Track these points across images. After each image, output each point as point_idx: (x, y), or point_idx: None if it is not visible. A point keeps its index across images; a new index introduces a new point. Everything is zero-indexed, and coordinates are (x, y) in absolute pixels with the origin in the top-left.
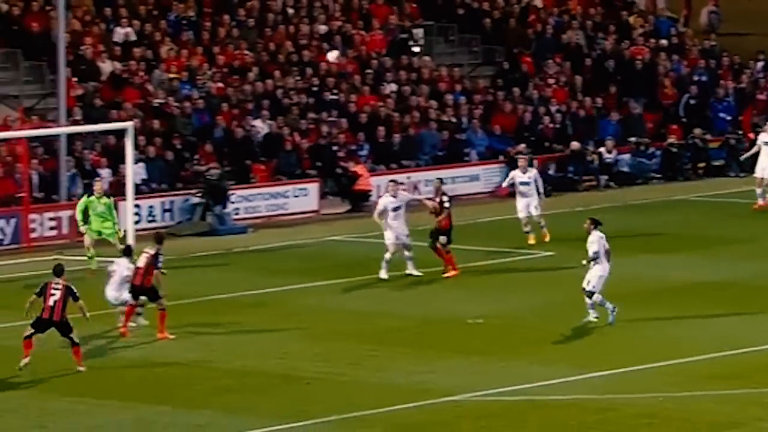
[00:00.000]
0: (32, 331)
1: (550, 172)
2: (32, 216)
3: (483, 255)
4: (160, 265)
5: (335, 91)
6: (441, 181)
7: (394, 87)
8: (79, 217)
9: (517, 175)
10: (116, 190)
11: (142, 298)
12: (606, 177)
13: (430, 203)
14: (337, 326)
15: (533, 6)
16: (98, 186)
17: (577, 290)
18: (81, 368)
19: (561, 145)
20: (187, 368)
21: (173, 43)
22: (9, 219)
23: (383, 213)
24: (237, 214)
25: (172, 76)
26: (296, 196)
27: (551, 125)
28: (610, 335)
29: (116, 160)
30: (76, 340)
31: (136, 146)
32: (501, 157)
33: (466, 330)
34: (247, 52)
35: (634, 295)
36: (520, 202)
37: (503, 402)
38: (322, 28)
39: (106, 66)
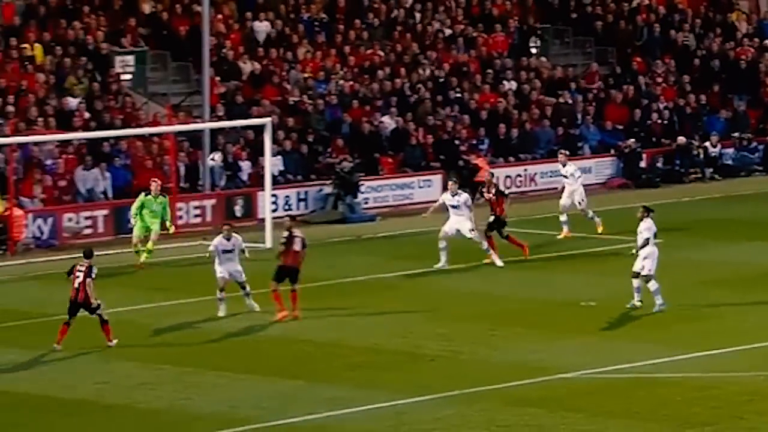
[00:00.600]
0: (68, 317)
1: (659, 165)
2: (179, 204)
3: (596, 242)
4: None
5: (458, 89)
6: (492, 175)
7: (513, 85)
8: (133, 212)
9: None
10: (255, 181)
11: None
12: (711, 170)
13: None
14: (458, 308)
15: (643, 6)
16: (154, 186)
17: (681, 275)
18: (111, 343)
19: (668, 140)
20: (322, 346)
21: (309, 45)
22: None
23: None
24: (366, 203)
25: (306, 75)
26: (421, 187)
27: (659, 121)
28: (713, 318)
29: (256, 153)
30: (105, 317)
31: (275, 140)
32: (612, 151)
33: (579, 312)
34: (379, 52)
35: (736, 280)
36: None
37: (612, 379)
38: (447, 31)
39: (247, 66)
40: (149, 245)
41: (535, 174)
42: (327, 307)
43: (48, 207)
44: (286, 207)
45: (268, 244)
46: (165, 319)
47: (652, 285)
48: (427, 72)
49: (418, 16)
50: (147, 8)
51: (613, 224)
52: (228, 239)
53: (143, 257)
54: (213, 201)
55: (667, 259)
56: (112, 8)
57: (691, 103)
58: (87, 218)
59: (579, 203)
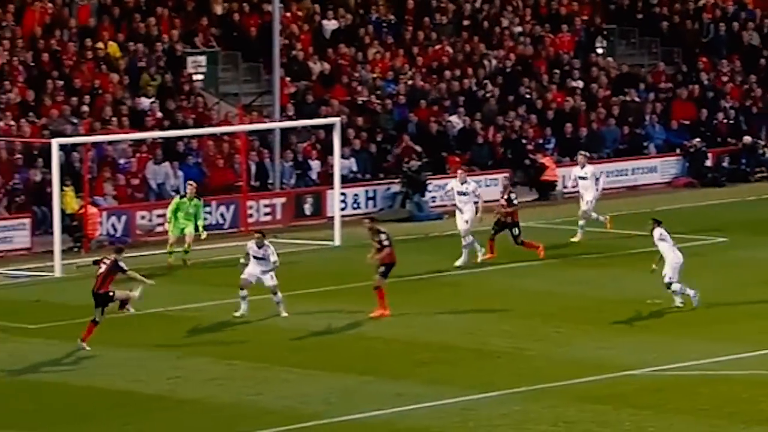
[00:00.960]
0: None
1: (724, 164)
2: (249, 202)
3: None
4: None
5: (525, 88)
6: (509, 179)
7: (580, 84)
8: (169, 215)
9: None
10: (324, 180)
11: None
12: None
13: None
14: (523, 305)
15: (709, 4)
16: (190, 189)
17: (746, 273)
18: (84, 345)
19: (734, 140)
20: (390, 342)
21: (378, 45)
22: (229, 205)
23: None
24: (434, 202)
25: (375, 75)
26: (488, 186)
27: (725, 120)
28: None
29: (326, 152)
30: (98, 319)
31: (344, 140)
32: (678, 150)
33: (645, 309)
34: (447, 48)
35: None
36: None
37: (677, 376)
38: (517, 29)
39: (317, 66)
40: (186, 246)
41: (601, 173)
42: (395, 304)
43: (122, 205)
44: (355, 205)
45: (337, 242)
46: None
47: (675, 287)
48: (495, 71)
49: (485, 14)
50: (219, 9)
51: (679, 224)
52: (259, 247)
53: (172, 258)
54: (282, 200)
55: (731, 258)
56: (185, 9)
57: (757, 103)
58: (159, 216)
59: (587, 203)
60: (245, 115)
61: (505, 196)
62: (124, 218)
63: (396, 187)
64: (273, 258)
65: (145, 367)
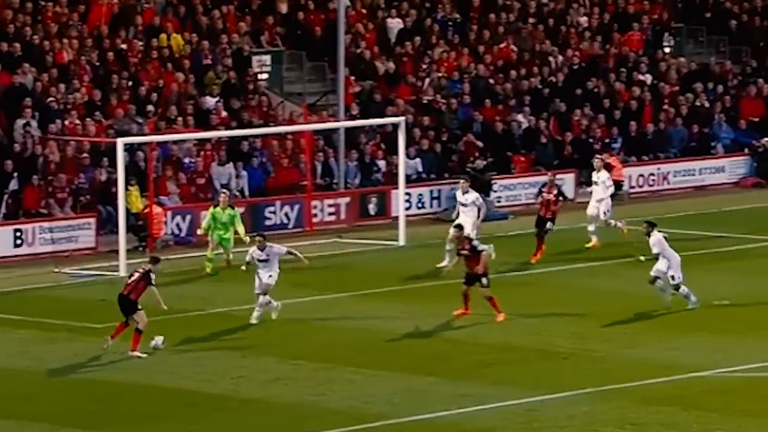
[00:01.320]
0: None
1: None
2: (314, 202)
3: (733, 241)
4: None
5: (592, 87)
6: (555, 175)
7: (647, 82)
8: (204, 225)
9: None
10: (389, 179)
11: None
12: None
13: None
14: (590, 305)
15: None
16: (222, 198)
17: None
18: (109, 342)
19: None
20: (455, 343)
21: (444, 44)
22: (293, 205)
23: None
24: (499, 201)
25: (441, 74)
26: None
27: None
28: None
29: (391, 152)
30: (130, 323)
31: (409, 139)
32: (746, 150)
33: (712, 310)
34: (512, 47)
35: None
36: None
37: (747, 378)
38: (582, 20)
39: (382, 65)
40: (225, 256)
41: (668, 173)
42: (456, 303)
43: (186, 204)
44: (419, 205)
45: (401, 242)
46: (301, 314)
47: (683, 290)
48: (561, 69)
49: (551, 11)
50: (284, 8)
51: (746, 224)
52: (262, 249)
53: (209, 268)
54: (347, 199)
55: None
56: (251, 7)
57: None
58: None
59: (604, 213)
60: (310, 115)
61: (554, 191)
62: (188, 218)
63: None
64: (282, 250)
65: (209, 367)
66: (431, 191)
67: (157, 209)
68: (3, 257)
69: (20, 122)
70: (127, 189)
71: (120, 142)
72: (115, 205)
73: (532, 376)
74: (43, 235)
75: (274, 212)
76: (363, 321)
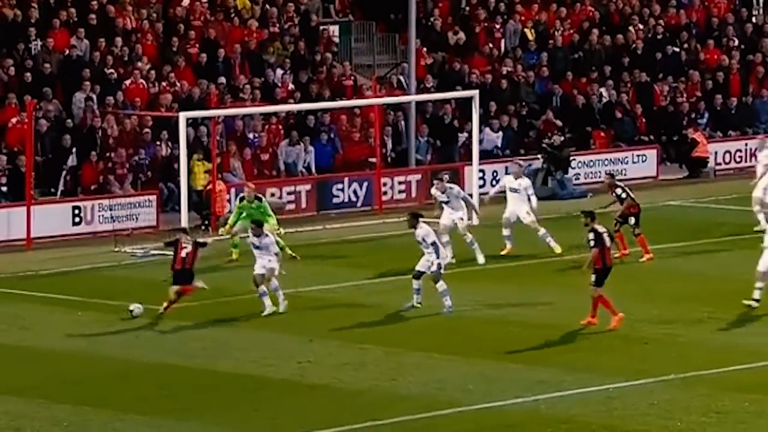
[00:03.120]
0: (176, 287)
1: None
2: (384, 180)
3: None
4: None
5: (677, 55)
6: (612, 176)
7: (735, 55)
8: (232, 220)
9: (508, 180)
10: (462, 156)
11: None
12: None
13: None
14: (674, 288)
15: None
16: (247, 190)
17: None
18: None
19: None
20: (530, 327)
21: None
22: (362, 182)
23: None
24: (577, 179)
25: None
26: (635, 162)
27: None
28: None
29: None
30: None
31: (485, 114)
32: None
33: None
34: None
35: None
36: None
37: None
38: None
39: (455, 36)
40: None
41: (755, 149)
42: (535, 286)
43: (251, 181)
44: (494, 183)
45: (475, 221)
46: (369, 297)
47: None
48: (645, 36)
49: None
50: None
51: None
52: (257, 236)
53: (235, 254)
54: (418, 176)
55: None
56: None
57: None
58: (289, 193)
59: (513, 214)
60: (380, 88)
61: (613, 194)
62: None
63: (537, 164)
64: (275, 249)
65: (274, 351)
66: (506, 168)
67: (219, 185)
68: (61, 236)
69: (80, 96)
70: (191, 164)
71: (182, 116)
72: (178, 181)
73: (613, 361)
74: (103, 213)
75: (341, 190)
76: (434, 304)
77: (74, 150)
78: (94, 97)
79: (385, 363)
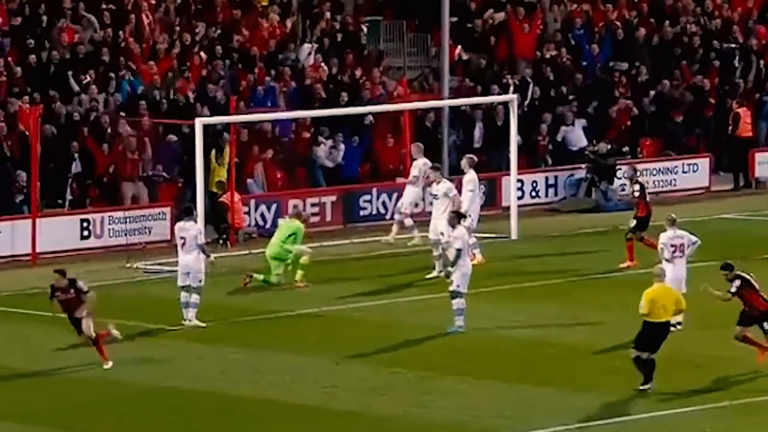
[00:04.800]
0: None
1: None
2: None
3: None
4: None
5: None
6: (635, 170)
7: None
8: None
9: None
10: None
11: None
12: None
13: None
14: (726, 309)
15: None
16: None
17: None
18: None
19: None
20: (572, 349)
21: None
22: (392, 193)
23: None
24: (623, 190)
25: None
26: (685, 172)
27: None
28: None
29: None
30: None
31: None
32: None
33: None
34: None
35: None
36: None
37: None
38: None
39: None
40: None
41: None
42: (575, 304)
43: (272, 192)
44: (533, 194)
45: (513, 235)
46: (400, 316)
47: None
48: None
49: None
50: None
51: None
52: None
53: (299, 275)
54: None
55: None
56: None
57: None
58: (314, 205)
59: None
60: (410, 92)
61: (636, 187)
62: (274, 207)
63: (581, 173)
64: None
65: (297, 374)
66: (546, 178)
67: (237, 196)
68: (69, 250)
69: (85, 97)
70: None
71: (198, 122)
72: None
73: (661, 386)
74: (114, 226)
75: (369, 201)
76: (468, 323)
77: (77, 156)
78: (103, 98)
79: (416, 388)
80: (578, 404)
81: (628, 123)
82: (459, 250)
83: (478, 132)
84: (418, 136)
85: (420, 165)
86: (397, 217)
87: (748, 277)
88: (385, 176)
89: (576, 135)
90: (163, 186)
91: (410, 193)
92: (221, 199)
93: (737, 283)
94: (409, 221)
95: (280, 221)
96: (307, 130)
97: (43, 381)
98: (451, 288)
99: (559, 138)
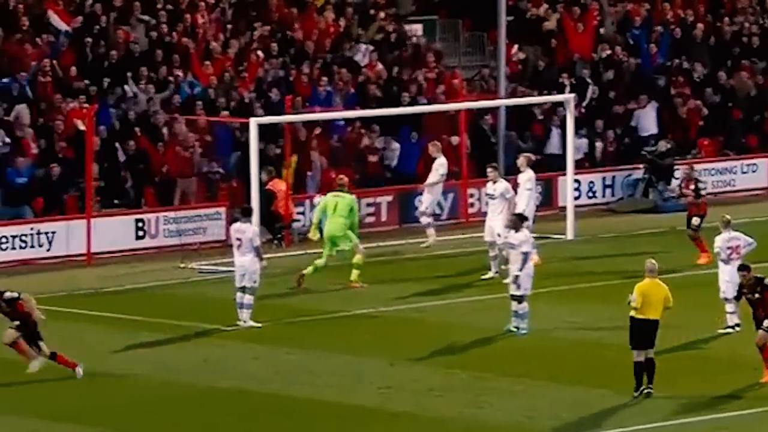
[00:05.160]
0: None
1: None
2: (470, 191)
3: None
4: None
5: None
6: (692, 168)
7: None
8: (314, 220)
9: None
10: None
11: None
12: None
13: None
14: None
15: None
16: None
17: None
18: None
19: None
20: (627, 351)
21: None
22: (447, 193)
23: None
24: (677, 190)
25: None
26: (744, 173)
27: None
28: None
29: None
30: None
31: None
32: None
33: None
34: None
35: None
36: None
37: None
38: None
39: (550, 23)
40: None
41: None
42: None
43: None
44: (590, 194)
45: (569, 235)
46: (455, 317)
47: None
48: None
49: None
50: None
51: None
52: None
53: (354, 275)
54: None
55: None
56: None
57: None
58: (369, 205)
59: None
60: (466, 91)
61: (692, 187)
62: None
63: (638, 174)
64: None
65: (353, 376)
66: (603, 178)
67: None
68: (124, 250)
69: (143, 96)
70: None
71: (253, 122)
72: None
73: (720, 388)
74: (168, 226)
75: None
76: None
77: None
78: (160, 97)
79: (471, 389)
80: (637, 407)
81: (700, 123)
82: (526, 254)
83: (556, 136)
84: (474, 135)
85: (443, 163)
86: (423, 220)
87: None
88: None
89: (649, 119)
90: (222, 185)
91: (432, 193)
92: (268, 186)
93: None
94: (427, 220)
95: (321, 198)
96: (362, 129)
97: (97, 381)
98: (518, 292)
99: (633, 123)
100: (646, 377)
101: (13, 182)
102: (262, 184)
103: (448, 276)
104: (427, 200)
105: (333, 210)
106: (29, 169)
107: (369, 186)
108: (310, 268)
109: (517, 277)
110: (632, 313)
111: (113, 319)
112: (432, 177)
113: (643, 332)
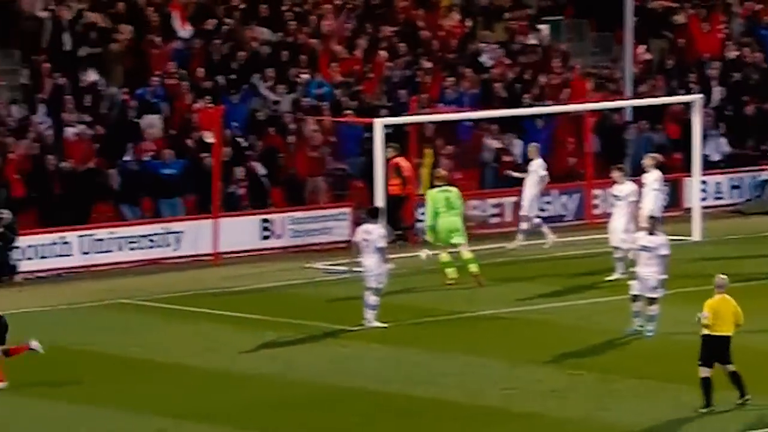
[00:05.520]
0: None
1: None
2: (595, 191)
3: None
4: None
5: None
6: None
7: None
8: (428, 222)
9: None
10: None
11: None
12: None
13: None
14: None
15: None
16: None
17: None
18: None
19: None
20: (756, 354)
21: None
22: (572, 194)
23: None
24: None
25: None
26: None
27: None
28: None
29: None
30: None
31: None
32: None
33: None
34: None
35: None
36: None
37: None
38: None
39: (680, 17)
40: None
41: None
42: (760, 308)
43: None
44: (717, 195)
45: (696, 237)
46: (581, 318)
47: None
48: None
49: None
50: None
51: None
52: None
53: (473, 267)
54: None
55: None
56: None
57: None
58: (494, 206)
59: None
60: (594, 92)
61: None
62: None
63: (765, 175)
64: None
65: (477, 376)
66: (730, 179)
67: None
68: (250, 250)
69: (273, 96)
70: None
71: (378, 123)
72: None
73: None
74: (294, 226)
75: (550, 202)
76: (658, 325)
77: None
78: (290, 98)
79: (596, 390)
80: (757, 411)
81: None
82: (665, 257)
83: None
84: (601, 136)
85: (540, 164)
86: (525, 225)
87: None
88: (564, 177)
89: None
90: (350, 183)
91: (530, 194)
92: (393, 161)
93: None
94: (537, 221)
95: (432, 192)
96: (487, 130)
97: (224, 380)
98: (654, 295)
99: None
100: (738, 390)
101: (162, 174)
102: (386, 161)
103: (571, 277)
104: (527, 203)
105: (444, 204)
106: (176, 163)
107: (491, 187)
108: (474, 266)
109: (663, 281)
110: (704, 330)
111: (239, 319)
112: (531, 179)
113: (715, 349)
